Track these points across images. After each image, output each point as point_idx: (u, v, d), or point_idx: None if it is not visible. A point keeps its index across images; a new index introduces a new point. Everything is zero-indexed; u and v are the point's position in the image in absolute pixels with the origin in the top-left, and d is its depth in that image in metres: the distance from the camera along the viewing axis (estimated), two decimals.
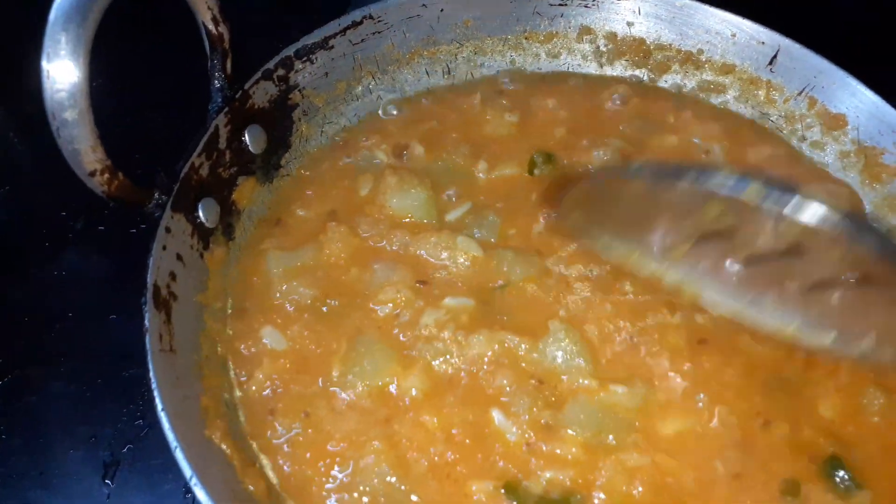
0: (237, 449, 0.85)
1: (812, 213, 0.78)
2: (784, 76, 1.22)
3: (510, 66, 1.28)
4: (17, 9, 1.27)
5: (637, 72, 1.29)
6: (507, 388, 0.91)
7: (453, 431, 0.89)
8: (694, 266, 0.96)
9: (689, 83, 1.28)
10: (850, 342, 0.89)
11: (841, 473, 0.88)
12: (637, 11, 1.26)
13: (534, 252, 1.04)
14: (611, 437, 0.89)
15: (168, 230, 0.91)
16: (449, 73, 1.25)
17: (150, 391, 0.80)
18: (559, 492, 0.85)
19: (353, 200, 1.08)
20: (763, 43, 1.22)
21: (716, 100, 1.27)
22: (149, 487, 1.02)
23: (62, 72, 0.77)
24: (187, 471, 0.76)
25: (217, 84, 1.01)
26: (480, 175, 1.12)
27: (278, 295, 0.99)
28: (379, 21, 1.17)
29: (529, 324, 0.96)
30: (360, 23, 1.15)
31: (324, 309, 0.98)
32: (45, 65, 0.77)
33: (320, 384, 0.92)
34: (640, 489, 0.85)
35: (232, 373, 0.94)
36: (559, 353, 0.93)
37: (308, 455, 0.87)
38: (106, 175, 0.84)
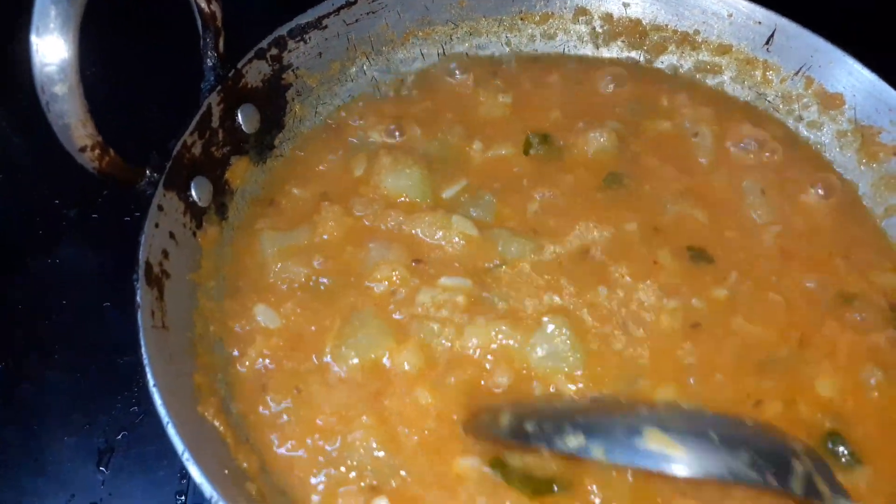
0: (230, 426, 0.85)
1: None
2: (781, 56, 1.22)
3: (506, 48, 1.27)
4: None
5: (633, 53, 1.29)
6: (500, 378, 0.91)
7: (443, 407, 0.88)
8: None
9: (686, 64, 1.27)
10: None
11: (840, 448, 0.87)
12: None
13: (530, 232, 1.03)
14: None
15: (160, 208, 0.91)
16: (444, 54, 1.24)
17: (144, 376, 0.80)
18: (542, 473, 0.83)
19: (348, 181, 1.07)
20: (759, 23, 1.21)
21: (712, 81, 1.26)
22: (143, 474, 1.02)
23: (51, 46, 0.76)
24: (179, 446, 0.75)
25: (210, 63, 1.00)
26: (475, 155, 1.11)
27: (272, 274, 0.98)
28: (373, 1, 1.16)
29: (523, 309, 0.96)
30: (354, 2, 1.14)
31: (319, 287, 0.97)
32: (33, 39, 0.76)
33: (314, 361, 0.91)
34: (631, 479, 0.83)
35: (225, 351, 0.93)
36: (551, 345, 0.92)
37: (298, 430, 0.87)
38: (97, 151, 0.83)
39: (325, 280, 0.98)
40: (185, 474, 0.99)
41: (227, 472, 0.79)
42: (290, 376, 0.90)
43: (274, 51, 1.08)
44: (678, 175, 1.12)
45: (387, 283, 0.97)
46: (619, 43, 1.28)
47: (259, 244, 1.00)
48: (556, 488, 0.82)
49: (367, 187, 1.06)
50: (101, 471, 1.01)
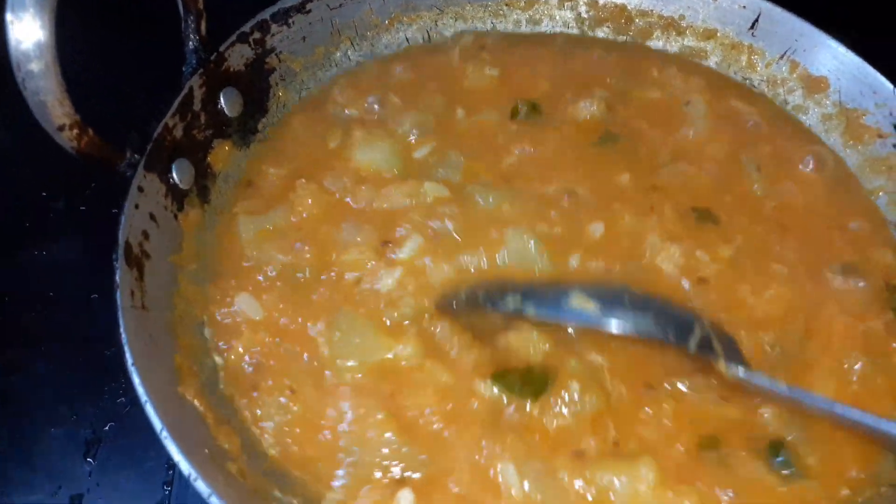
0: (210, 407, 0.84)
1: None
2: (765, 40, 1.22)
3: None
4: None
5: (619, 38, 1.28)
6: None
7: None
8: None
9: (672, 49, 1.27)
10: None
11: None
12: None
13: (504, 183, 1.04)
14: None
15: (141, 189, 0.90)
16: (429, 40, 1.24)
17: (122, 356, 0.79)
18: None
19: (322, 157, 1.07)
20: (744, 7, 1.21)
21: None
22: (131, 464, 1.01)
23: (27, 22, 0.75)
24: (157, 424, 0.75)
25: (191, 45, 1.00)
26: (458, 121, 1.11)
27: (251, 259, 0.97)
28: None
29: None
30: None
31: (298, 275, 0.96)
32: (8, 16, 0.75)
33: (305, 359, 0.90)
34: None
35: (209, 336, 0.93)
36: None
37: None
38: (75, 130, 0.83)
39: (303, 270, 0.97)
40: (173, 464, 0.98)
41: (206, 451, 0.78)
42: (282, 375, 0.89)
43: (257, 34, 1.08)
44: (671, 140, 1.12)
45: (359, 272, 0.96)
46: (604, 28, 1.29)
47: (237, 228, 1.00)
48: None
49: (340, 161, 1.05)
50: (89, 462, 1.01)
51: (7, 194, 1.26)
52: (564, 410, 0.86)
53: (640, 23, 1.27)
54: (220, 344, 0.92)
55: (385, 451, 0.83)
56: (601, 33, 1.28)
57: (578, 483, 0.82)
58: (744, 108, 1.17)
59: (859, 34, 1.17)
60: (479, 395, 0.88)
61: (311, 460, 0.84)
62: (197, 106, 1.00)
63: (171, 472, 1.00)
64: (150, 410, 0.75)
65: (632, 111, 1.15)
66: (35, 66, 0.77)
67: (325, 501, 0.81)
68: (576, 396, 0.87)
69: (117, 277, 0.83)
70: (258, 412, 0.87)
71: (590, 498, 0.81)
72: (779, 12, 1.19)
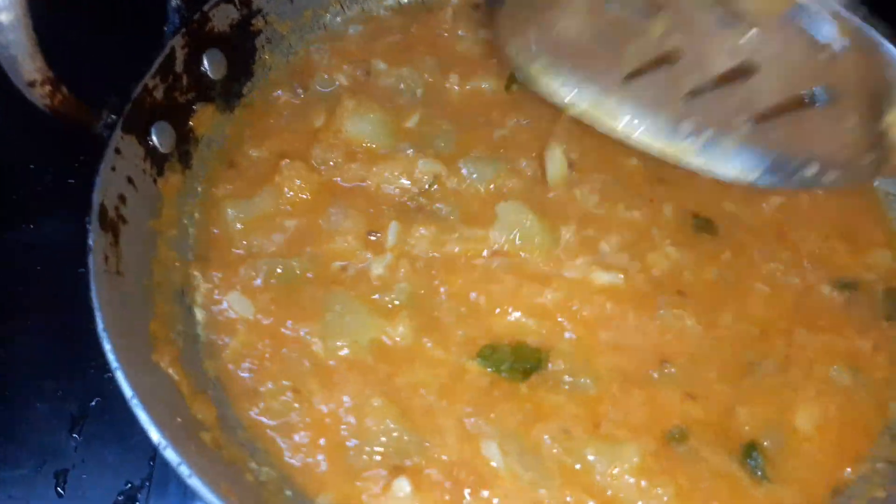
0: (186, 376, 0.82)
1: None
2: None
3: None
4: None
5: None
6: None
7: None
8: (630, 100, 0.94)
9: None
10: (794, 172, 0.87)
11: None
12: None
13: (498, 155, 1.01)
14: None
15: (118, 151, 0.87)
16: (423, 2, 1.19)
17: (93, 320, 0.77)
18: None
19: (309, 133, 1.03)
20: None
21: None
22: (116, 440, 0.99)
23: None
24: (128, 391, 0.72)
25: (174, 3, 0.96)
26: (451, 89, 1.08)
27: (241, 250, 0.95)
28: None
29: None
30: None
31: (291, 267, 0.94)
32: None
33: (304, 358, 0.88)
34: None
35: (188, 308, 0.90)
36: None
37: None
38: (47, 87, 0.80)
39: (294, 258, 0.94)
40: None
41: (179, 420, 0.76)
42: (281, 376, 0.86)
43: None
44: None
45: (352, 259, 0.94)
46: None
47: (225, 216, 0.97)
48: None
49: (328, 134, 1.02)
50: (74, 437, 0.98)
51: None
52: (554, 390, 0.85)
53: None
54: (219, 341, 0.89)
55: (382, 438, 0.82)
56: None
57: (566, 460, 0.81)
58: None
59: None
60: (471, 373, 0.86)
61: (308, 452, 0.82)
62: (179, 67, 0.97)
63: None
64: (120, 377, 0.73)
65: None
66: (4, 18, 0.73)
67: (321, 496, 0.79)
68: (567, 378, 0.86)
69: (90, 241, 0.80)
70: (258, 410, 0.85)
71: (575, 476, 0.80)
72: None
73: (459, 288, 0.91)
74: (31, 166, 1.22)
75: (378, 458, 0.80)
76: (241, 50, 1.06)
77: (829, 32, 0.78)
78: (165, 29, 0.96)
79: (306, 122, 1.05)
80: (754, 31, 0.83)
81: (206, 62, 1.01)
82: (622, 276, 0.92)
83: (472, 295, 0.91)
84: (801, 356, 0.88)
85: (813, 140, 0.85)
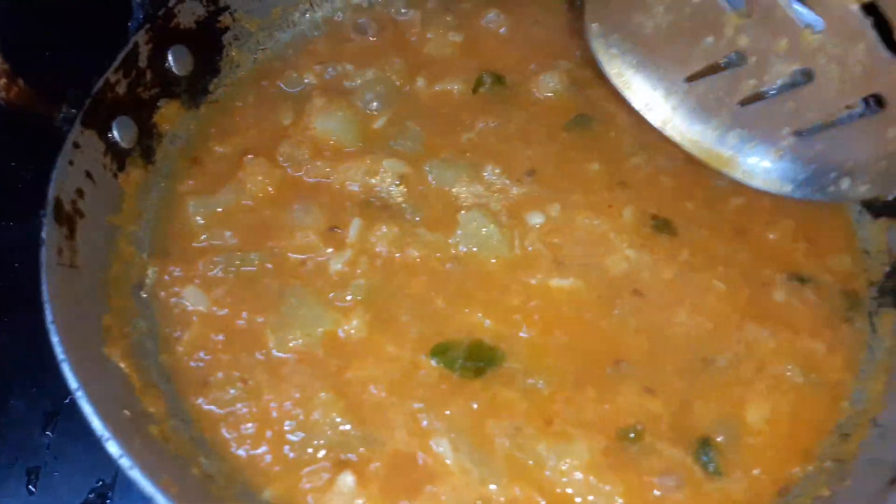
0: (138, 369, 0.82)
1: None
2: None
3: None
4: None
5: None
6: None
7: None
8: (688, 102, 0.96)
9: None
10: (828, 185, 0.89)
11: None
12: None
13: (464, 159, 1.01)
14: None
15: (76, 145, 0.88)
16: (392, 3, 1.19)
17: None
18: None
19: (276, 129, 1.04)
20: None
21: None
22: (89, 437, 0.95)
23: None
24: (73, 383, 0.73)
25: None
26: (419, 91, 1.08)
27: (201, 244, 0.95)
28: None
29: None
30: None
31: (249, 259, 0.94)
32: None
33: (256, 350, 0.88)
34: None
35: (154, 315, 0.91)
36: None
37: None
38: (2, 80, 0.80)
39: (253, 253, 0.94)
40: None
41: (127, 413, 0.76)
42: (232, 367, 0.86)
43: None
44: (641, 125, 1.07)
45: (312, 254, 0.94)
46: None
47: (186, 211, 0.97)
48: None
49: (296, 132, 1.03)
50: (47, 434, 0.99)
51: None
52: (508, 387, 0.85)
53: None
54: (168, 330, 0.89)
55: (328, 432, 0.82)
56: None
57: (517, 456, 0.81)
58: None
59: None
60: (424, 370, 0.86)
61: (254, 444, 0.82)
62: (143, 63, 0.97)
63: None
64: (65, 369, 0.73)
65: (603, 91, 1.09)
66: None
67: (266, 490, 0.79)
68: (521, 376, 0.86)
69: (43, 234, 0.81)
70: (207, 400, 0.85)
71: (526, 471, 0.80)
72: None
73: (418, 288, 0.91)
74: (12, 164, 1.22)
75: (323, 452, 0.80)
76: (207, 47, 1.06)
77: None
78: (129, 24, 0.97)
79: (273, 120, 1.05)
80: (820, 31, 0.84)
81: (171, 58, 1.01)
82: (580, 281, 0.92)
83: (430, 295, 0.91)
84: (753, 352, 0.88)
85: (851, 153, 0.86)
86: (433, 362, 0.86)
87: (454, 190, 0.99)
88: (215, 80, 1.08)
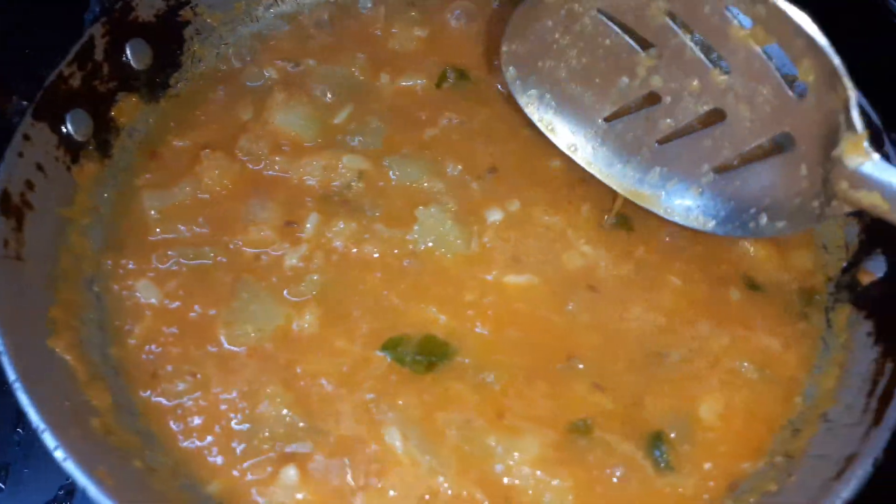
0: (84, 361, 0.82)
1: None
2: None
3: None
4: None
5: None
6: None
7: None
8: (608, 142, 0.97)
9: None
10: (747, 222, 0.89)
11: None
12: None
13: (425, 155, 1.01)
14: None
15: (27, 137, 0.87)
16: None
17: None
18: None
19: (236, 125, 1.03)
20: None
21: None
22: None
23: None
24: (11, 375, 0.72)
25: None
26: (382, 87, 1.08)
27: (156, 238, 0.94)
28: None
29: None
30: None
31: (203, 253, 0.94)
32: None
33: (207, 343, 0.87)
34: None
35: (105, 308, 0.90)
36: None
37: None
38: None
39: (208, 247, 0.93)
40: None
41: (67, 404, 0.75)
42: (182, 360, 0.86)
43: None
44: None
45: (267, 248, 0.94)
46: None
47: (141, 204, 0.96)
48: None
49: (256, 126, 1.02)
50: (18, 432, 0.97)
51: None
52: (459, 381, 0.85)
53: None
54: (119, 322, 0.89)
55: (275, 425, 0.81)
56: None
57: (465, 448, 0.81)
58: None
59: None
60: (374, 364, 0.86)
61: (201, 437, 0.82)
62: (99, 56, 0.97)
63: None
64: (4, 361, 0.72)
65: None
66: None
67: (211, 483, 0.79)
68: (472, 371, 0.85)
69: None
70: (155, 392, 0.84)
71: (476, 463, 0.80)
72: None
73: (373, 284, 0.91)
74: None
75: (268, 445, 0.79)
76: (168, 41, 1.06)
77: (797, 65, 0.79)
78: (85, 16, 0.96)
79: (234, 115, 1.05)
80: (728, 73, 0.86)
81: (129, 52, 1.01)
82: (536, 277, 0.92)
83: (385, 292, 0.91)
84: (707, 348, 0.88)
85: (767, 190, 0.87)
86: (384, 356, 0.86)
87: (414, 186, 0.99)
88: (176, 74, 1.07)
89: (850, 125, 0.76)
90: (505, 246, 0.95)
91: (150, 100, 1.04)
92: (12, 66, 0.88)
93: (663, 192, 0.95)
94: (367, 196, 0.98)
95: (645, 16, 0.89)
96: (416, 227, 0.94)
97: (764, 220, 0.87)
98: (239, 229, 0.95)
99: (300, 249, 0.93)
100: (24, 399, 0.71)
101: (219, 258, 0.92)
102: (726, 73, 0.86)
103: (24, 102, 0.88)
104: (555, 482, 0.79)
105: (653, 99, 0.93)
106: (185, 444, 0.81)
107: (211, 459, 0.79)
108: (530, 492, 0.79)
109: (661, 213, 0.95)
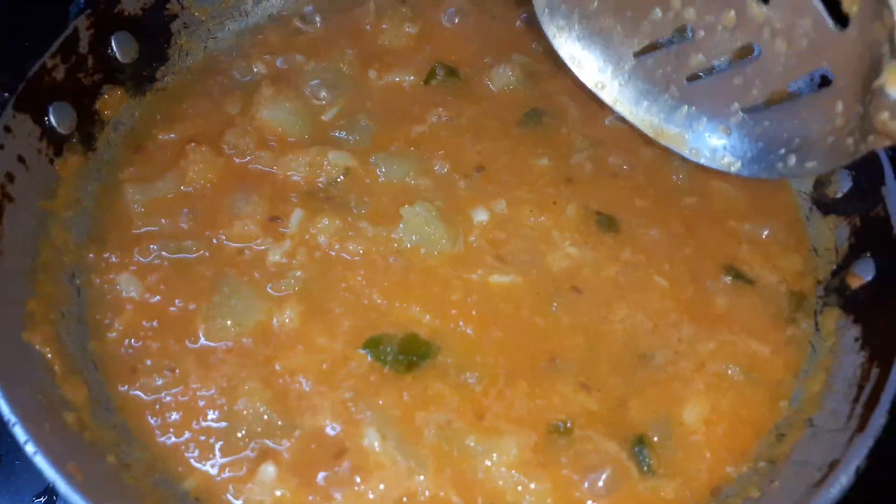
0: (61, 355, 0.81)
1: None
2: None
3: None
4: None
5: None
6: None
7: None
8: (637, 78, 0.95)
9: None
10: (775, 163, 0.87)
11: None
12: None
13: (413, 152, 1.00)
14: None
15: (8, 129, 0.87)
16: None
17: None
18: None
19: (223, 119, 1.02)
20: None
21: None
22: None
23: None
24: None
25: None
26: (370, 83, 1.07)
27: (139, 231, 0.94)
28: None
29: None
30: None
31: (185, 248, 0.93)
32: None
33: (186, 338, 0.86)
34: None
35: (86, 301, 0.89)
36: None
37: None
38: None
39: (190, 241, 0.93)
40: None
41: (41, 398, 0.75)
42: (161, 355, 0.85)
43: None
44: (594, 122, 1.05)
45: (251, 243, 0.93)
46: None
47: (125, 198, 0.96)
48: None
49: (244, 121, 1.02)
50: None
51: None
52: (440, 381, 0.83)
53: None
54: (100, 317, 0.88)
55: (252, 421, 0.80)
56: None
57: (444, 448, 0.80)
58: None
59: None
60: (354, 362, 0.85)
61: (178, 433, 0.81)
62: (84, 48, 0.96)
63: None
64: None
65: (557, 85, 1.08)
66: None
67: (187, 479, 0.78)
68: (454, 371, 0.84)
69: None
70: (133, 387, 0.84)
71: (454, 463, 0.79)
72: None
73: (356, 281, 0.90)
74: None
75: (245, 441, 0.79)
76: (154, 34, 1.05)
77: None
78: (70, 8, 0.95)
79: (221, 109, 1.04)
80: (766, 3, 0.82)
81: (114, 45, 1.00)
82: (520, 277, 0.91)
83: (368, 290, 0.90)
84: (693, 351, 0.87)
85: (798, 129, 0.84)
86: (365, 355, 0.85)
87: (401, 184, 0.98)
88: (163, 67, 1.07)
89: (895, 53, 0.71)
90: (490, 245, 0.94)
91: (135, 93, 1.04)
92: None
93: (690, 132, 0.93)
94: (352, 193, 0.97)
95: None
96: (401, 226, 0.93)
97: (793, 160, 0.85)
98: (222, 223, 0.94)
99: (283, 245, 0.92)
100: None
101: (201, 252, 0.92)
102: (765, 4, 0.82)
103: (6, 94, 0.87)
104: (532, 485, 0.78)
105: (684, 33, 0.90)
106: (163, 439, 0.80)
107: (188, 455, 0.79)
108: (510, 493, 0.78)
109: (686, 153, 0.93)
